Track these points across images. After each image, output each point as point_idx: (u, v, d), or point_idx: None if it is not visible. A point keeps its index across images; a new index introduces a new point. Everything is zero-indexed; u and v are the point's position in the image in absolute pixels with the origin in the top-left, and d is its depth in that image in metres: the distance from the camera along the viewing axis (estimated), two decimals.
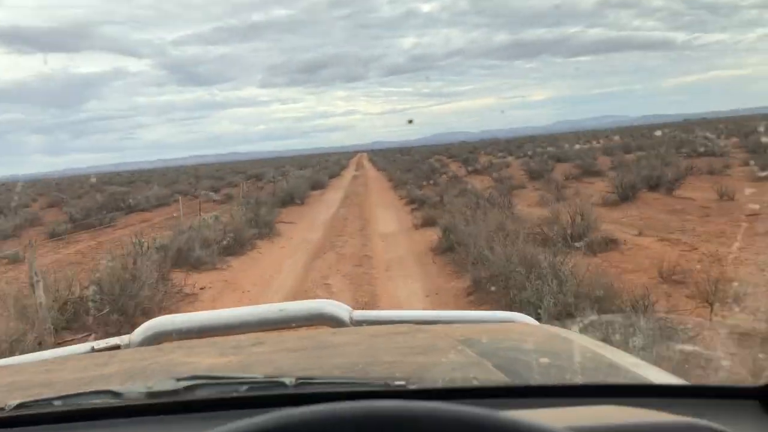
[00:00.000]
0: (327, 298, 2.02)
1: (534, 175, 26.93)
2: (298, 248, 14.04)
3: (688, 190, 17.19)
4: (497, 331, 1.63)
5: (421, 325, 1.59)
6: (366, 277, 10.42)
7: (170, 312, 7.44)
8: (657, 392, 1.09)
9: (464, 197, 17.63)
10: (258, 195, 25.14)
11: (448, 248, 11.50)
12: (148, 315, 6.82)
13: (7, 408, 1.03)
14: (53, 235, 20.03)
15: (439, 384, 1.10)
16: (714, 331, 5.63)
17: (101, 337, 2.52)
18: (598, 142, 52.51)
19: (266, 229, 15.84)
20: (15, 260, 14.00)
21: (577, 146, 44.54)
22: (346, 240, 14.64)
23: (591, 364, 1.30)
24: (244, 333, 1.69)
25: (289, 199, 24.63)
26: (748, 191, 15.63)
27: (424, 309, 7.54)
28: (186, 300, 9.39)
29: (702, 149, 29.93)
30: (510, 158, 44.26)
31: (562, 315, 6.02)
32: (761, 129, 34.63)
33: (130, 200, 27.83)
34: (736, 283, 7.32)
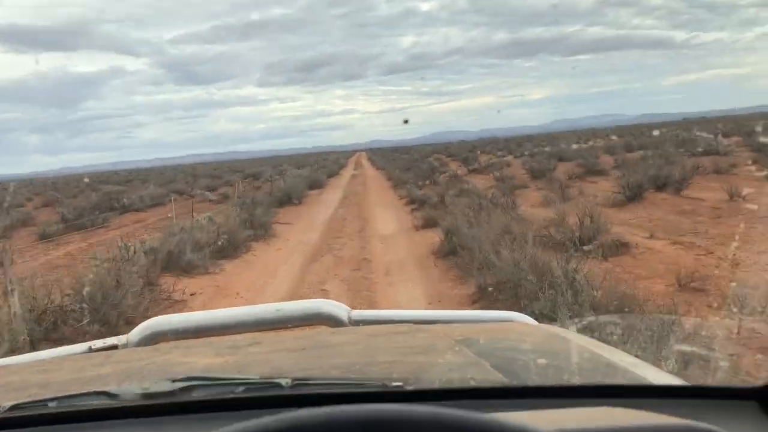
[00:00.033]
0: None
1: (536, 175, 26.45)
2: (295, 250, 13.54)
3: (696, 190, 16.69)
4: (495, 330, 1.62)
5: (419, 325, 1.57)
6: (365, 282, 9.94)
7: None
8: (655, 393, 1.08)
9: (466, 197, 17.14)
10: (254, 195, 24.65)
11: (450, 251, 11.01)
12: (132, 325, 6.33)
13: (1, 409, 1.03)
14: (44, 236, 19.51)
15: (437, 385, 1.09)
16: (745, 347, 5.16)
17: None
18: (598, 141, 52.01)
19: (262, 231, 15.35)
20: None
21: (575, 146, 43.94)
22: (345, 242, 14.14)
23: (589, 364, 1.29)
24: (241, 333, 1.68)
25: (287, 199, 24.12)
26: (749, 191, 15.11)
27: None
28: (175, 307, 8.89)
29: (700, 149, 29.39)
30: (509, 157, 43.80)
31: (586, 331, 5.53)
32: (758, 129, 34.44)
33: (125, 200, 27.28)
34: (761, 291, 6.84)
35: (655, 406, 0.93)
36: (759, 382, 1.02)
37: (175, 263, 11.07)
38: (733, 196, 14.38)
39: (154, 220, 22.45)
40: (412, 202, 20.31)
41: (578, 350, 1.39)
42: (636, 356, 1.48)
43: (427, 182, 25.41)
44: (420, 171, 32.64)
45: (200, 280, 10.74)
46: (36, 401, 1.05)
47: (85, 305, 7.20)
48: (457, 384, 1.10)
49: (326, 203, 24.51)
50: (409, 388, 1.03)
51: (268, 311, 1.72)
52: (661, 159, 23.84)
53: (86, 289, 7.34)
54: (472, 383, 1.09)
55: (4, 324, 6.52)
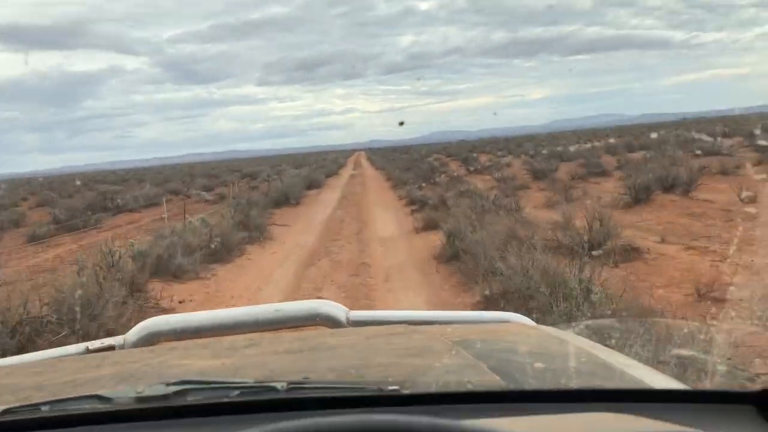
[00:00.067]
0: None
1: (537, 175, 25.98)
2: (291, 254, 13.06)
3: (704, 192, 16.22)
4: (493, 332, 1.61)
5: (417, 326, 1.57)
6: (363, 288, 9.46)
7: None
8: (653, 397, 1.05)
9: (467, 198, 16.65)
10: (251, 195, 24.17)
11: (452, 256, 10.54)
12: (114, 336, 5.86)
13: None
14: (34, 238, 19.02)
15: (433, 389, 1.07)
16: None
17: None
18: (599, 142, 51.43)
19: (257, 233, 14.86)
20: None
21: (573, 147, 43.39)
22: (342, 245, 13.66)
23: (587, 366, 1.28)
24: (239, 333, 1.67)
25: (284, 200, 23.61)
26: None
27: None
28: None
29: (699, 153, 28.92)
30: (510, 157, 43.34)
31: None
32: (757, 132, 34.20)
33: (119, 200, 26.75)
34: None
35: (653, 410, 0.93)
36: (756, 387, 1.00)
37: (164, 268, 10.59)
38: (744, 198, 13.91)
39: (149, 220, 21.95)
40: (412, 203, 19.82)
41: (576, 352, 1.37)
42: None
43: (427, 183, 24.93)
44: (420, 171, 32.15)
45: (191, 285, 10.26)
46: (28, 405, 1.04)
47: (63, 317, 6.71)
48: (453, 388, 1.08)
49: (324, 204, 24.02)
50: (405, 391, 1.01)
51: (266, 312, 1.70)
52: (664, 159, 23.40)
53: (64, 298, 6.85)
54: (469, 387, 1.07)
55: None
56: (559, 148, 42.97)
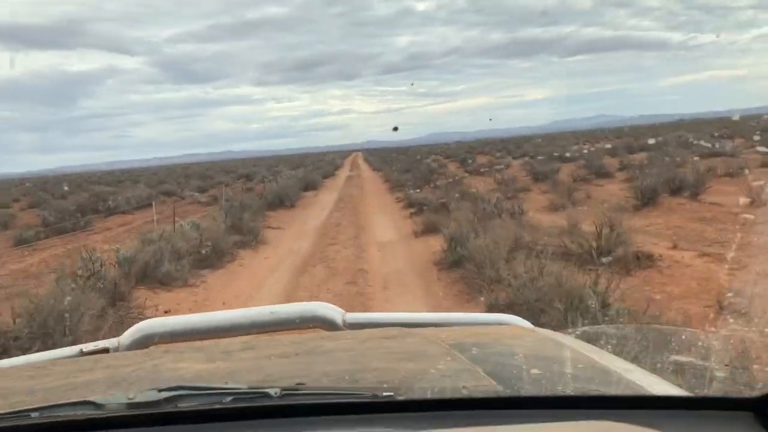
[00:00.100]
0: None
1: (538, 177, 25.52)
2: (285, 259, 12.54)
3: (712, 194, 15.74)
4: (490, 335, 1.57)
5: (413, 329, 1.54)
6: (360, 298, 8.94)
7: None
8: (651, 403, 1.05)
9: (467, 201, 16.16)
10: (245, 197, 23.64)
11: (454, 262, 10.04)
12: None
13: None
14: (21, 241, 18.47)
15: (428, 395, 1.04)
16: None
17: None
18: (599, 144, 50.90)
19: (250, 237, 14.34)
20: None
21: (573, 148, 42.86)
22: (339, 250, 13.14)
23: (584, 371, 1.26)
24: (234, 336, 1.67)
25: (279, 202, 23.09)
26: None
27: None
28: None
29: (696, 157, 28.46)
30: (508, 158, 42.89)
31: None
32: (757, 138, 34.00)
33: (110, 202, 26.19)
34: None
35: (651, 416, 0.93)
36: (755, 393, 0.99)
37: (151, 275, 10.07)
38: (754, 200, 13.42)
39: (141, 222, 21.42)
40: (410, 205, 19.32)
41: (573, 356, 1.35)
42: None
43: (426, 185, 24.44)
44: (418, 173, 31.67)
45: (178, 293, 9.75)
46: (18, 412, 1.01)
47: (35, 330, 6.19)
48: (448, 394, 1.04)
49: (321, 206, 23.51)
50: (400, 398, 0.99)
51: (262, 314, 1.70)
52: (668, 160, 22.97)
53: (37, 310, 6.34)
54: (465, 392, 1.04)
55: None
56: (556, 152, 42.49)
